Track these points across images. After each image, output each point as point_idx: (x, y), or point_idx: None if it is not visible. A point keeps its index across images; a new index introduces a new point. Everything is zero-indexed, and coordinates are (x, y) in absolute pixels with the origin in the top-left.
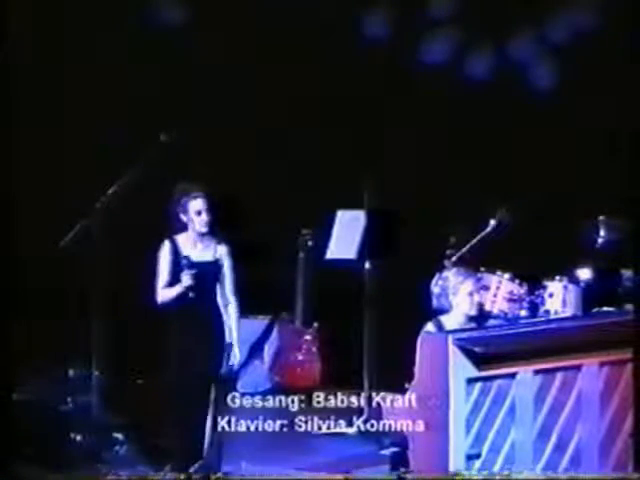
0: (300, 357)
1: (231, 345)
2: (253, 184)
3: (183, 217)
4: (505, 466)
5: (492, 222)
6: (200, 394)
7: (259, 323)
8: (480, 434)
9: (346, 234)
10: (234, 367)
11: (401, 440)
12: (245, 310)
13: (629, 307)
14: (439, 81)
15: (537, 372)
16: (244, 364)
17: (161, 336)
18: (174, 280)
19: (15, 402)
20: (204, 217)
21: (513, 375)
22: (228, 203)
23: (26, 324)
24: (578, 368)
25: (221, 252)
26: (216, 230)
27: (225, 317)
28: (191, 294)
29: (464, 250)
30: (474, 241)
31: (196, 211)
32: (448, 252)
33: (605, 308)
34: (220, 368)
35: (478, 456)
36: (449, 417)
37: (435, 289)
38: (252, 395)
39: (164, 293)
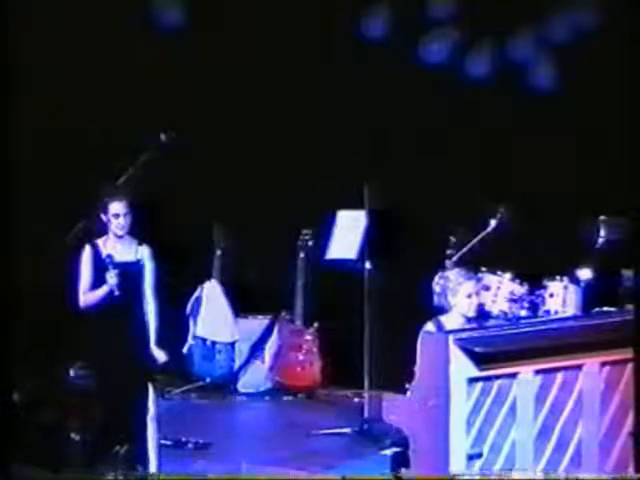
0: (300, 357)
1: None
2: (253, 184)
3: (103, 217)
4: (505, 466)
5: (492, 222)
6: (131, 393)
7: (259, 323)
8: (481, 434)
9: (346, 234)
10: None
11: (402, 440)
12: (245, 310)
13: (629, 307)
14: (439, 81)
15: (538, 372)
16: (244, 364)
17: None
18: (97, 283)
19: (15, 402)
20: (121, 220)
21: (514, 375)
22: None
23: (26, 324)
24: (578, 368)
25: (142, 253)
26: (136, 232)
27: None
28: (117, 292)
29: (465, 250)
30: (474, 241)
31: (114, 214)
32: (448, 252)
33: (605, 308)
34: (147, 367)
35: (479, 456)
36: (449, 417)
37: (436, 287)
38: (252, 395)
39: (88, 297)
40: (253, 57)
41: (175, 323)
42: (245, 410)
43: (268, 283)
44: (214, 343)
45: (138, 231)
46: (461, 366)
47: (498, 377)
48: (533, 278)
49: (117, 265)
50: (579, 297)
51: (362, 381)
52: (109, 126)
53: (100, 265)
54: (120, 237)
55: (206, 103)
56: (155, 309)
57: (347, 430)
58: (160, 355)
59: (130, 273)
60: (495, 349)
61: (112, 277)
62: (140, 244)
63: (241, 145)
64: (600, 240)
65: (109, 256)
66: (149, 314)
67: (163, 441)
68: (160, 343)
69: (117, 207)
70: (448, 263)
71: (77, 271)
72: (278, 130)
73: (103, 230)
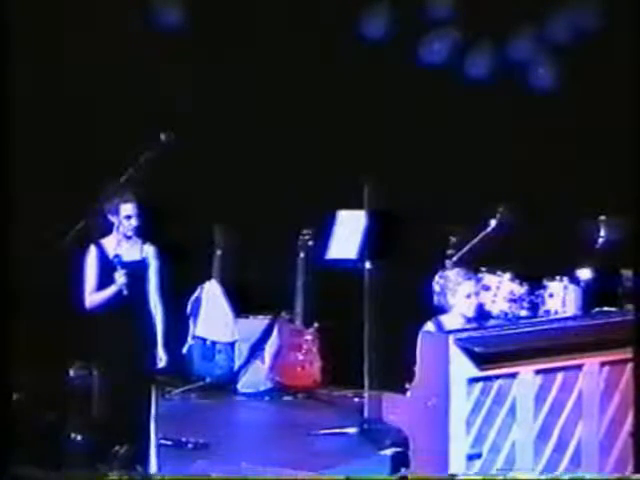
0: (300, 357)
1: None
2: (254, 184)
3: (112, 218)
4: (506, 466)
5: (492, 222)
6: (135, 394)
7: (259, 323)
8: (481, 434)
9: (346, 234)
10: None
11: (402, 440)
12: (245, 310)
13: (629, 307)
14: (439, 81)
15: (538, 372)
16: (244, 364)
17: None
18: (104, 283)
19: (15, 402)
20: (132, 222)
21: (514, 375)
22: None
23: (26, 324)
24: (578, 368)
25: (147, 252)
26: (143, 234)
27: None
28: (125, 292)
29: (465, 250)
30: (474, 241)
31: (126, 215)
32: (448, 252)
33: (605, 308)
34: (151, 367)
35: (479, 456)
36: (449, 417)
37: (436, 287)
38: (252, 395)
39: (95, 297)
40: (253, 57)
41: (176, 323)
42: (245, 410)
43: (268, 283)
44: (214, 343)
45: (139, 232)
46: (461, 366)
47: (498, 377)
48: (533, 278)
49: (125, 265)
50: (579, 297)
51: (362, 381)
52: (109, 126)
53: (106, 265)
54: (129, 237)
55: (206, 103)
56: (161, 309)
57: (347, 430)
58: (163, 355)
59: (136, 272)
60: (495, 349)
61: (121, 277)
62: (145, 243)
63: (241, 145)
64: (600, 240)
65: (117, 256)
66: (155, 314)
67: (163, 441)
68: (164, 343)
69: (129, 208)
70: (448, 263)
71: (79, 271)
72: (278, 130)
73: (107, 230)
